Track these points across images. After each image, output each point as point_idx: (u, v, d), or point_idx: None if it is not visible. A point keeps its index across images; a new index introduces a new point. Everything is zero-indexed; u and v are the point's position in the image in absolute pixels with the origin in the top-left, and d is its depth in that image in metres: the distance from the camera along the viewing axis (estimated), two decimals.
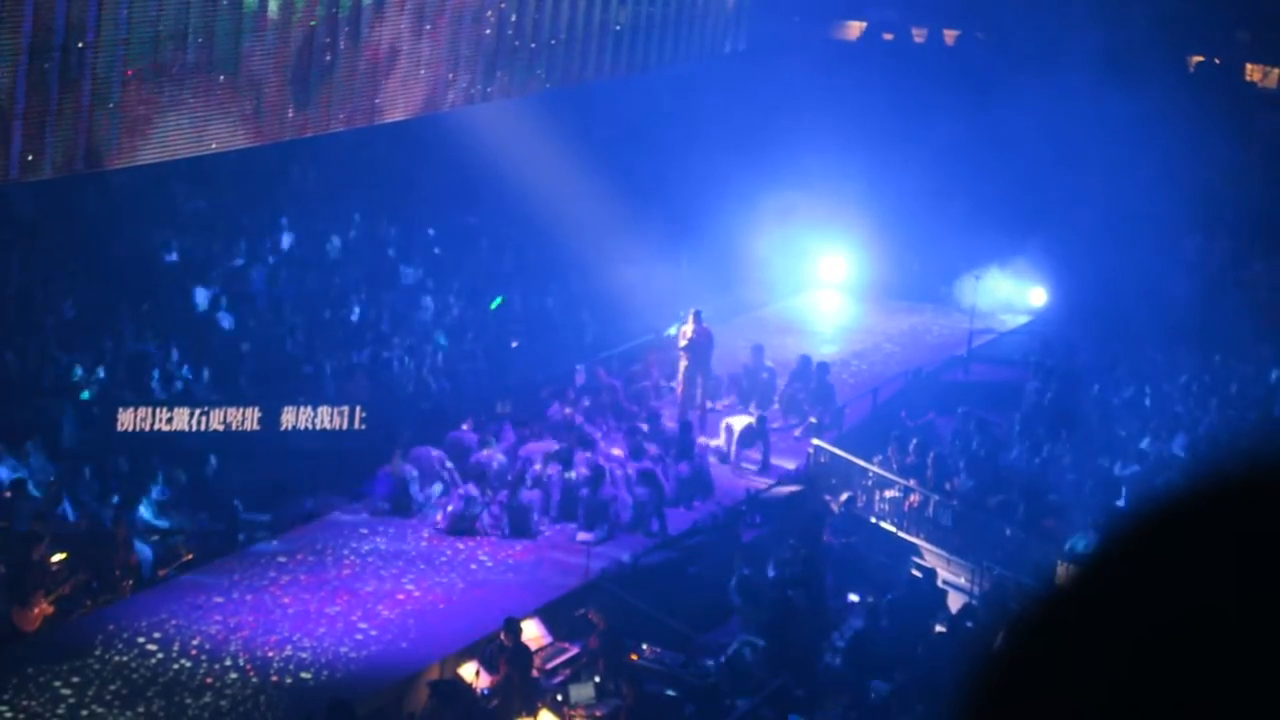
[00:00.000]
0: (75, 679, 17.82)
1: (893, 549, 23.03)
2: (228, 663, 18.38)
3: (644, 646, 19.60)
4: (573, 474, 22.48)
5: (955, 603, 21.60)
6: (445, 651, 19.01)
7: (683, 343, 25.76)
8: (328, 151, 28.74)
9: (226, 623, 19.22)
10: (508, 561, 21.34)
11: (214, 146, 22.59)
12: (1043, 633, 1.48)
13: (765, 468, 24.45)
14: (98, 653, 18.35)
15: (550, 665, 19.21)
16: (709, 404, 26.05)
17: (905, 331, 30.93)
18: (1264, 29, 34.43)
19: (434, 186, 30.81)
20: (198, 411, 23.01)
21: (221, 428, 23.07)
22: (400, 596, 20.24)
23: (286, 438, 23.33)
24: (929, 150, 31.88)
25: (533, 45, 27.40)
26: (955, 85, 32.79)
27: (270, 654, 18.62)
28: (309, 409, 23.61)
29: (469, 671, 18.61)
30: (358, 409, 23.81)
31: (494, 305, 28.66)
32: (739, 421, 24.82)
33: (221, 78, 22.00)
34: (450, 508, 21.89)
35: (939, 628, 20.68)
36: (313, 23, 23.23)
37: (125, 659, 18.30)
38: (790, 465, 24.68)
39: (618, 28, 29.36)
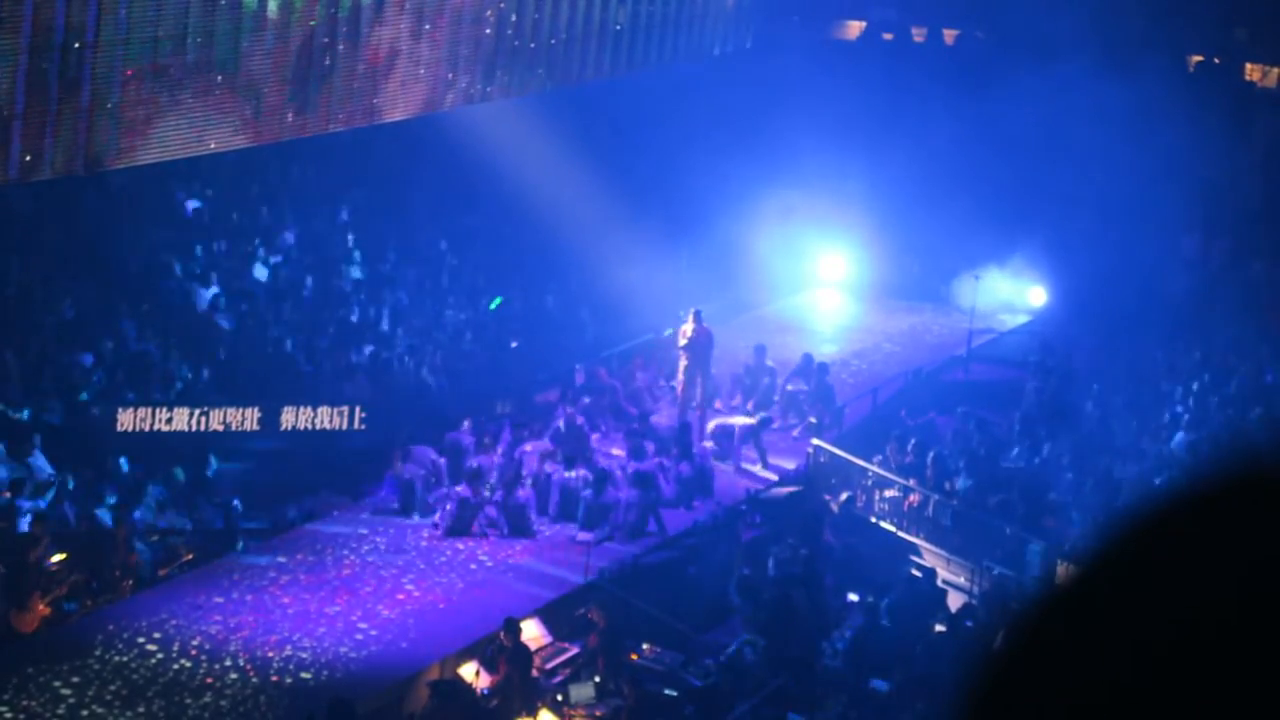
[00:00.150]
0: (75, 679, 17.83)
1: (892, 548, 23.03)
2: (228, 663, 18.38)
3: (644, 646, 19.60)
4: (573, 474, 22.49)
5: (955, 602, 21.60)
6: (445, 651, 19.01)
7: (682, 342, 25.76)
8: (327, 150, 28.73)
9: (226, 623, 19.23)
10: (507, 561, 21.35)
11: (213, 146, 22.59)
12: (1043, 632, 1.48)
13: (765, 467, 24.47)
14: (98, 653, 18.35)
15: (550, 665, 19.21)
16: (716, 403, 26.09)
17: (905, 331, 30.93)
18: (1263, 28, 34.42)
19: (434, 186, 30.81)
20: (197, 412, 23.01)
21: (221, 428, 23.08)
22: (400, 596, 20.24)
23: (286, 438, 23.33)
24: (929, 150, 31.88)
25: (532, 45, 27.39)
26: (955, 85, 32.78)
27: (270, 654, 18.62)
28: (308, 409, 23.61)
29: (469, 671, 18.61)
30: (357, 409, 23.82)
31: (493, 305, 28.65)
32: (739, 421, 24.83)
33: (220, 78, 22.00)
34: (447, 506, 21.90)
35: (939, 627, 20.67)
36: (312, 22, 23.23)
37: (125, 659, 18.31)
38: (789, 465, 24.68)
39: (618, 27, 29.36)
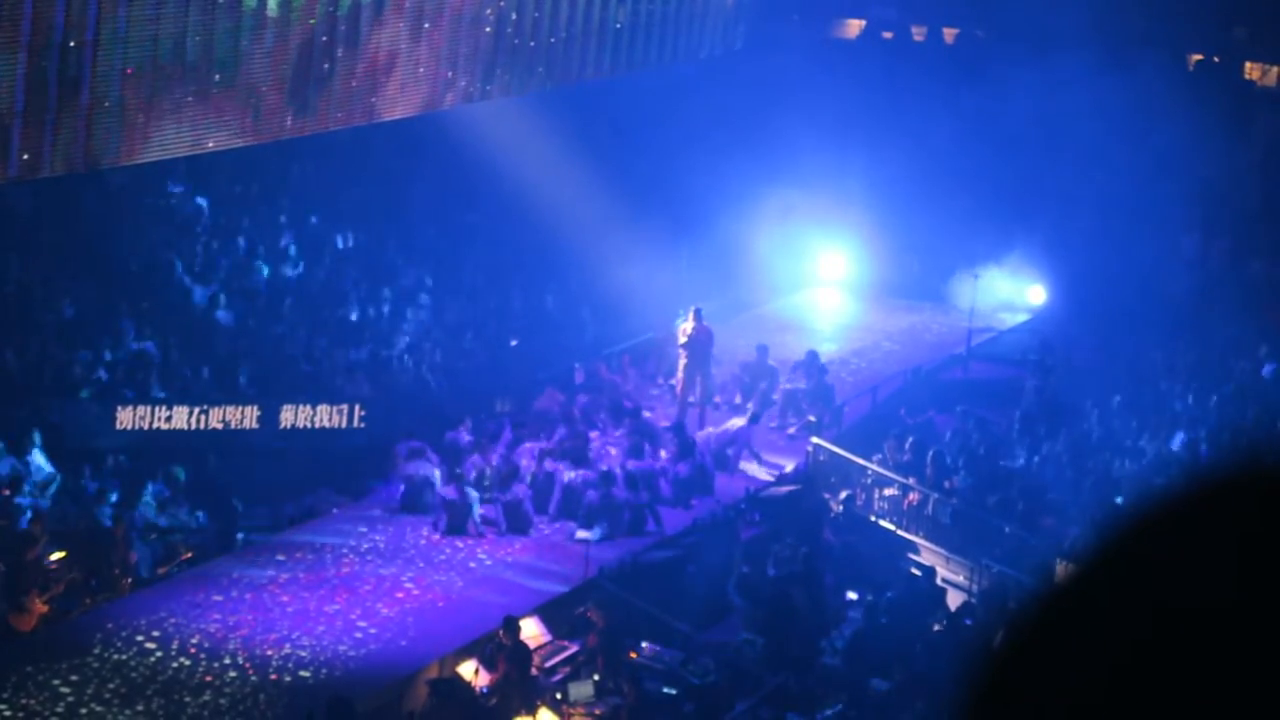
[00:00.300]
0: (74, 677, 17.83)
1: (891, 547, 23.03)
2: (227, 661, 18.38)
3: (643, 645, 19.61)
4: (573, 474, 22.48)
5: (954, 601, 21.61)
6: (444, 650, 19.02)
7: (682, 340, 25.78)
8: (327, 149, 28.72)
9: (226, 621, 19.22)
10: (507, 560, 21.34)
11: (211, 146, 22.58)
12: (1042, 631, 1.49)
13: (760, 464, 24.49)
14: (97, 651, 18.35)
15: (549, 663, 19.21)
16: (717, 399, 26.10)
17: (904, 329, 30.93)
18: (1263, 27, 34.42)
19: (433, 184, 30.81)
20: (197, 410, 23.02)
21: (221, 426, 23.08)
22: (399, 595, 20.24)
23: (285, 436, 23.34)
24: (929, 148, 31.88)
25: (532, 44, 27.38)
26: (955, 84, 32.79)
27: (269, 652, 18.62)
28: (308, 407, 23.61)
29: (468, 670, 18.61)
30: (357, 407, 23.82)
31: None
32: (732, 425, 24.86)
33: (219, 78, 21.99)
34: (445, 500, 21.90)
35: (938, 626, 20.68)
36: (311, 21, 23.22)
37: (124, 657, 18.30)
38: (789, 464, 24.68)
39: (618, 26, 29.35)
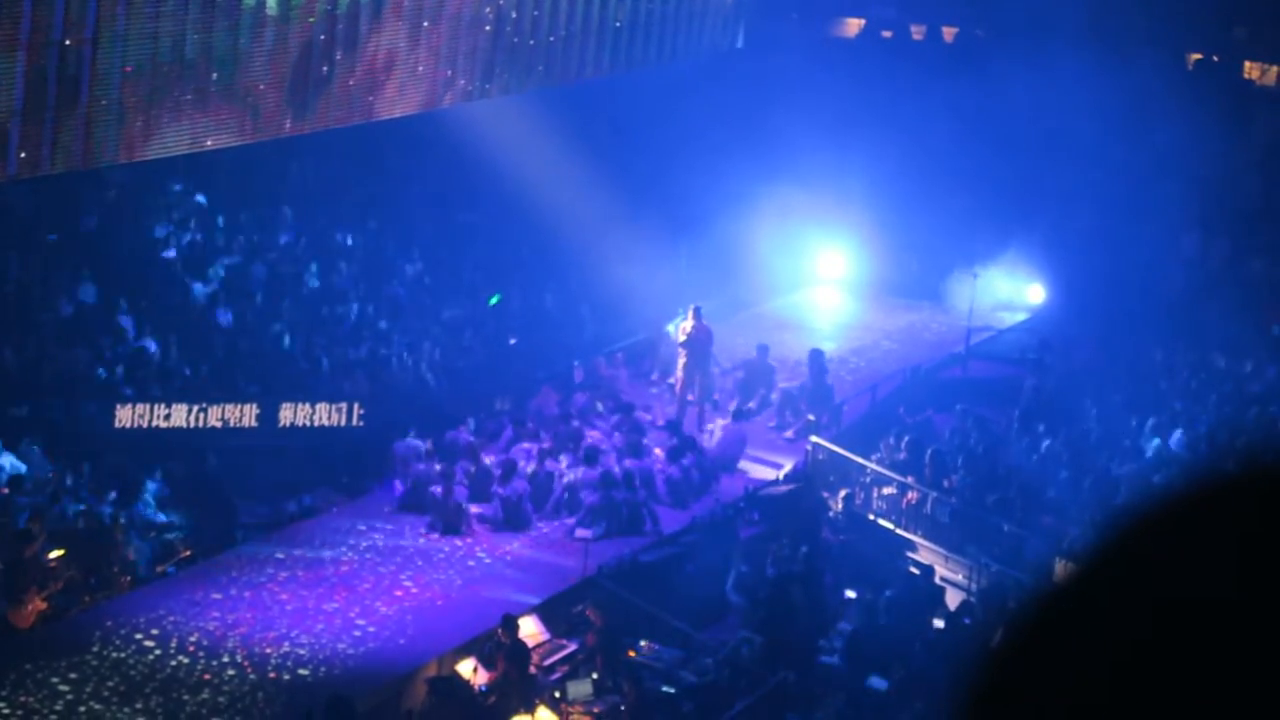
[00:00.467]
0: (73, 675, 17.83)
1: (890, 546, 23.04)
2: (226, 659, 18.38)
3: (642, 643, 19.60)
4: (571, 473, 22.48)
5: (953, 600, 21.61)
6: (443, 648, 19.02)
7: (682, 339, 25.79)
8: (326, 147, 28.72)
9: (224, 619, 19.22)
10: (505, 558, 21.35)
11: (210, 144, 22.58)
12: (1041, 630, 1.48)
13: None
14: (96, 649, 18.35)
15: (548, 662, 19.21)
16: (716, 397, 26.10)
17: (904, 328, 30.95)
18: (1262, 26, 34.43)
19: (432, 183, 30.81)
20: (196, 408, 23.02)
21: (220, 424, 23.09)
22: (398, 593, 20.24)
23: (284, 434, 23.34)
24: (928, 147, 31.90)
25: (532, 42, 27.38)
26: (954, 83, 32.79)
27: (268, 650, 18.62)
28: (307, 405, 23.61)
29: (467, 668, 18.61)
30: (356, 405, 23.82)
31: (491, 302, 28.66)
32: (717, 426, 24.92)
33: (217, 76, 21.98)
34: (440, 500, 21.91)
35: (937, 624, 20.69)
36: (311, 19, 23.21)
37: (123, 655, 18.30)
38: (788, 463, 24.69)
39: (617, 25, 29.35)
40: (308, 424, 23.56)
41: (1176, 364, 28.35)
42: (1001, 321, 30.90)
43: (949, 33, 36.70)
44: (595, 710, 18.41)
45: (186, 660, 18.31)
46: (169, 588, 20.02)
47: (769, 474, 24.39)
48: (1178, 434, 25.45)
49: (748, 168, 30.98)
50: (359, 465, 23.29)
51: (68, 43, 19.89)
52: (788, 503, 23.61)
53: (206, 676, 18.04)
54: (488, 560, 21.27)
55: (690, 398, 25.79)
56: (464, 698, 18.20)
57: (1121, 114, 30.87)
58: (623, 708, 18.39)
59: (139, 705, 17.45)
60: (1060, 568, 20.64)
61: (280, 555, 20.98)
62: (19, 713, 17.14)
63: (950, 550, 22.65)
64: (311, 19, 23.24)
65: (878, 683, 19.18)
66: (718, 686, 19.02)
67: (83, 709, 17.32)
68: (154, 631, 18.80)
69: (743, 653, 19.79)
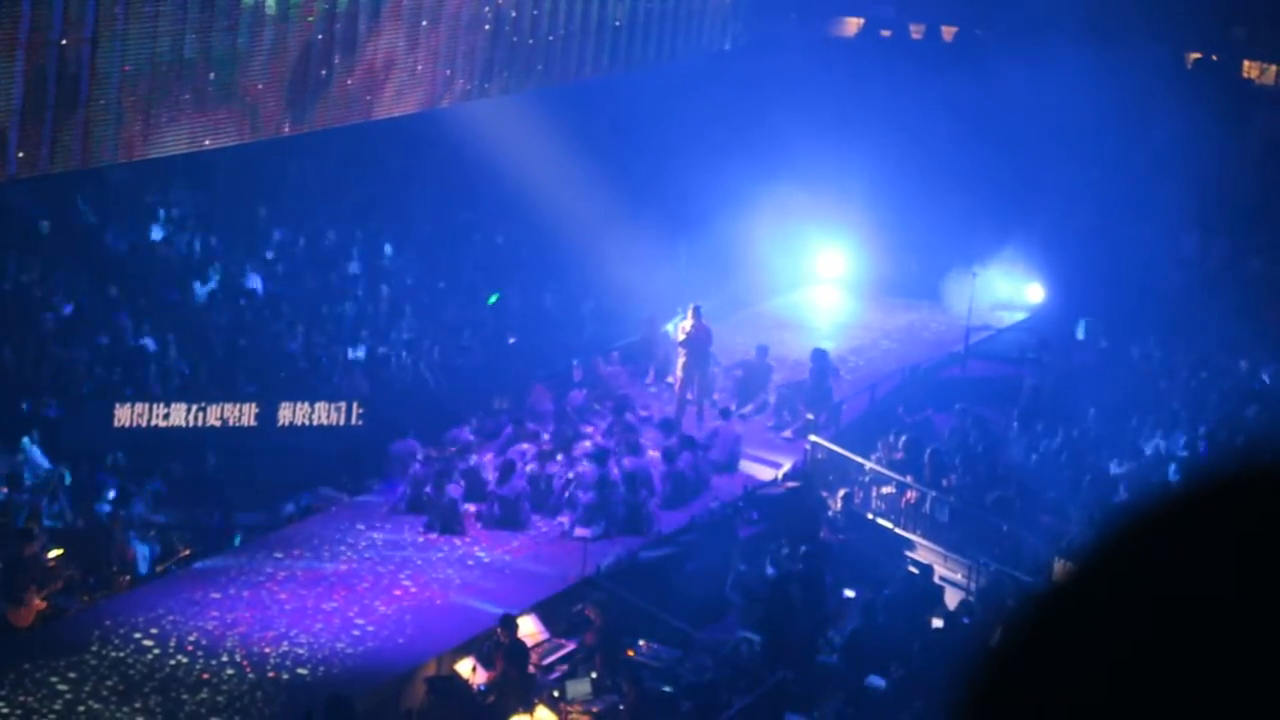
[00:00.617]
0: (72, 674, 17.82)
1: (890, 545, 23.03)
2: (224, 658, 18.37)
3: (641, 642, 19.59)
4: (570, 472, 22.47)
5: (952, 599, 21.60)
6: (442, 648, 19.01)
7: (681, 338, 25.78)
8: (325, 147, 28.72)
9: (223, 618, 19.21)
10: (504, 558, 21.33)
11: (208, 144, 22.58)
12: (1040, 629, 1.49)
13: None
14: (94, 648, 18.34)
15: (547, 661, 19.20)
16: (715, 396, 26.10)
17: (903, 328, 30.94)
18: (1261, 25, 34.44)
19: (432, 182, 30.80)
20: (195, 407, 23.01)
21: (219, 423, 23.08)
22: (397, 592, 20.23)
23: (284, 433, 23.33)
24: (927, 147, 31.90)
25: (531, 42, 27.39)
26: (953, 82, 32.78)
27: (267, 650, 18.61)
28: (306, 405, 23.60)
29: (466, 668, 18.60)
30: (355, 404, 23.81)
31: (491, 301, 28.66)
32: (710, 427, 24.94)
33: (215, 76, 21.98)
34: (436, 499, 21.89)
35: (936, 623, 20.68)
36: (310, 19, 23.21)
37: (122, 654, 18.29)
38: (787, 462, 24.68)
39: (616, 24, 29.36)
40: (307, 423, 23.54)
41: (1176, 363, 28.35)
42: (1000, 321, 30.90)
43: (948, 32, 36.71)
44: (594, 709, 18.40)
45: (185, 659, 18.30)
46: (168, 587, 20.00)
47: (768, 473, 24.38)
48: (1177, 434, 25.45)
49: (747, 167, 30.96)
50: (358, 465, 23.28)
51: (66, 43, 19.90)
52: (787, 502, 23.61)
53: (205, 676, 18.03)
54: (487, 560, 21.25)
55: (689, 397, 25.78)
56: (463, 697, 18.20)
57: (1120, 113, 30.88)
58: (622, 707, 18.39)
59: (138, 704, 17.44)
60: (1059, 567, 20.64)
61: (279, 555, 20.97)
62: (18, 712, 17.13)
63: (949, 549, 22.64)
64: (310, 19, 23.24)
65: (876, 682, 19.17)
66: (717, 686, 19.01)
67: (82, 708, 17.30)
68: (153, 631, 18.79)
69: (742, 652, 19.79)
